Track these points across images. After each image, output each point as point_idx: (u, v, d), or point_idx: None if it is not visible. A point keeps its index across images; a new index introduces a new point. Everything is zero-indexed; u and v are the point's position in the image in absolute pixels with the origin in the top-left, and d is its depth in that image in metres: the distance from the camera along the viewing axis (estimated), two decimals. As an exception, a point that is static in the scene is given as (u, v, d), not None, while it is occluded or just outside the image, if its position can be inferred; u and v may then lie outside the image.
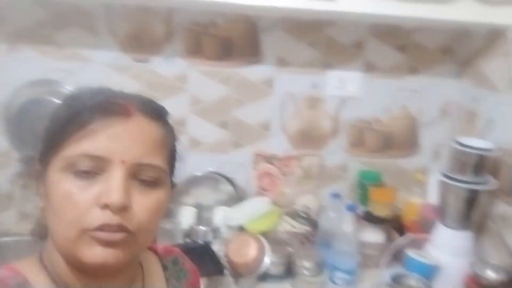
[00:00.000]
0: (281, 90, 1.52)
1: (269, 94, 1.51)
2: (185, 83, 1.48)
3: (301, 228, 1.42)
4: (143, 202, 0.52)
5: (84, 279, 0.55)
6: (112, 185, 0.50)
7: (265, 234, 1.33)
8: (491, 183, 1.18)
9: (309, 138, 1.57)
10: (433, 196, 1.39)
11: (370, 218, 1.43)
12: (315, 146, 1.58)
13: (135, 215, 0.52)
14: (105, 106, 0.52)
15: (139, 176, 0.53)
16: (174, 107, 1.46)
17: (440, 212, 1.27)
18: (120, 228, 0.50)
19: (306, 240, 1.40)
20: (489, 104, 1.34)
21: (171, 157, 0.59)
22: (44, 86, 1.42)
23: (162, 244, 0.73)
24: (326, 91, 1.53)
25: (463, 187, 1.18)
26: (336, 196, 1.37)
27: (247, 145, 1.55)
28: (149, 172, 0.53)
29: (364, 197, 1.53)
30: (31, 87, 1.41)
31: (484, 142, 1.22)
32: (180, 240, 1.38)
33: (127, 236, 0.51)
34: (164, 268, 0.70)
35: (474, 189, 1.18)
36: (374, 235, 1.42)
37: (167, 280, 0.69)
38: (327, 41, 1.48)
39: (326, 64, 1.51)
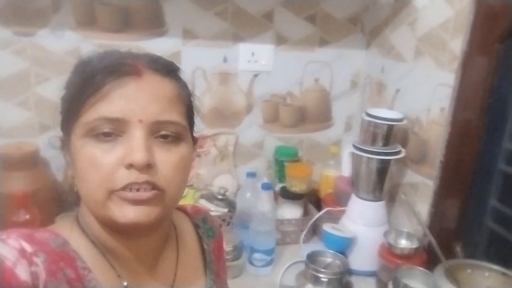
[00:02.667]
0: (190, 65, 1.41)
1: (177, 70, 1.40)
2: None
3: (219, 210, 1.35)
4: (167, 159, 0.53)
5: (119, 239, 0.56)
6: (134, 145, 0.50)
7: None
8: (401, 153, 1.20)
9: (223, 116, 1.49)
10: (346, 168, 1.39)
11: (287, 195, 1.41)
12: (230, 124, 1.51)
13: (161, 172, 0.52)
14: (115, 67, 0.52)
15: (160, 133, 0.53)
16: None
17: (353, 184, 1.27)
18: (148, 184, 0.51)
19: (224, 222, 1.34)
20: (396, 75, 1.36)
21: (189, 112, 0.59)
22: None
23: (190, 204, 0.76)
24: (238, 66, 1.45)
25: (374, 158, 1.18)
26: (251, 175, 1.32)
27: (155, 126, 1.43)
28: (168, 128, 0.53)
29: (281, 174, 1.49)
30: None
31: (393, 112, 1.24)
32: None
33: (156, 193, 0.52)
34: (196, 226, 0.71)
35: (385, 159, 1.19)
36: (291, 211, 1.41)
37: (200, 237, 0.71)
38: (235, 11, 1.40)
39: (236, 37, 1.42)
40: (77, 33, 1.29)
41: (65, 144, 0.56)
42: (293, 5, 1.44)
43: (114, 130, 0.51)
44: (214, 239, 0.73)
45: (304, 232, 1.34)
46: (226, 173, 1.53)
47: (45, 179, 1.28)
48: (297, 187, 1.39)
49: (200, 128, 1.48)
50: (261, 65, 1.47)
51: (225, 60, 1.44)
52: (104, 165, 0.50)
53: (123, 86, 0.51)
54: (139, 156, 0.50)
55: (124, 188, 0.50)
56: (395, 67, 1.36)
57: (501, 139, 1.04)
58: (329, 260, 1.06)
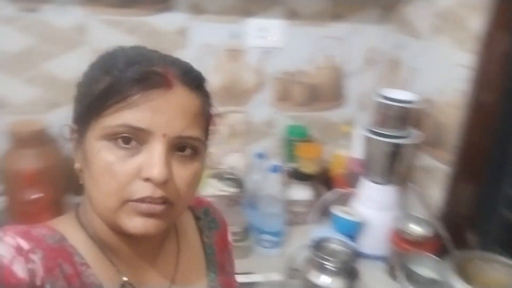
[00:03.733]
0: (198, 41, 1.37)
1: (184, 46, 1.36)
2: (84, 35, 1.28)
3: (228, 190, 1.34)
4: (183, 174, 0.53)
5: (120, 237, 0.56)
6: (154, 159, 0.50)
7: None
8: (414, 136, 1.16)
9: (232, 94, 1.46)
10: (358, 150, 1.36)
11: (297, 175, 1.39)
12: (240, 101, 1.47)
13: (175, 186, 0.52)
14: (146, 76, 0.50)
15: (179, 148, 0.53)
16: (73, 63, 1.30)
17: (365, 166, 1.24)
18: (162, 200, 0.51)
19: (233, 202, 1.33)
20: (412, 52, 1.29)
21: (207, 125, 0.59)
22: None
23: None
24: (247, 42, 1.40)
25: (386, 141, 1.15)
26: (260, 156, 1.30)
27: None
28: (188, 143, 0.53)
29: (291, 154, 1.47)
30: None
31: (407, 93, 1.19)
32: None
33: (168, 207, 0.52)
34: (197, 219, 0.70)
35: (397, 143, 1.15)
36: (301, 192, 1.39)
37: (200, 230, 0.70)
38: (245, -15, 1.34)
39: (245, 12, 1.37)
40: (83, 8, 1.26)
41: (78, 137, 0.55)
42: (306, -23, 1.37)
43: (135, 139, 0.50)
44: (217, 231, 0.72)
45: (314, 214, 1.32)
46: (236, 152, 1.51)
47: (54, 157, 1.27)
48: (308, 168, 1.37)
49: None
50: (271, 41, 1.42)
51: (234, 36, 1.39)
52: (120, 174, 0.50)
53: (152, 98, 0.50)
54: (158, 172, 0.49)
55: (138, 200, 0.50)
56: (411, 44, 1.29)
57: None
58: (336, 247, 1.04)
